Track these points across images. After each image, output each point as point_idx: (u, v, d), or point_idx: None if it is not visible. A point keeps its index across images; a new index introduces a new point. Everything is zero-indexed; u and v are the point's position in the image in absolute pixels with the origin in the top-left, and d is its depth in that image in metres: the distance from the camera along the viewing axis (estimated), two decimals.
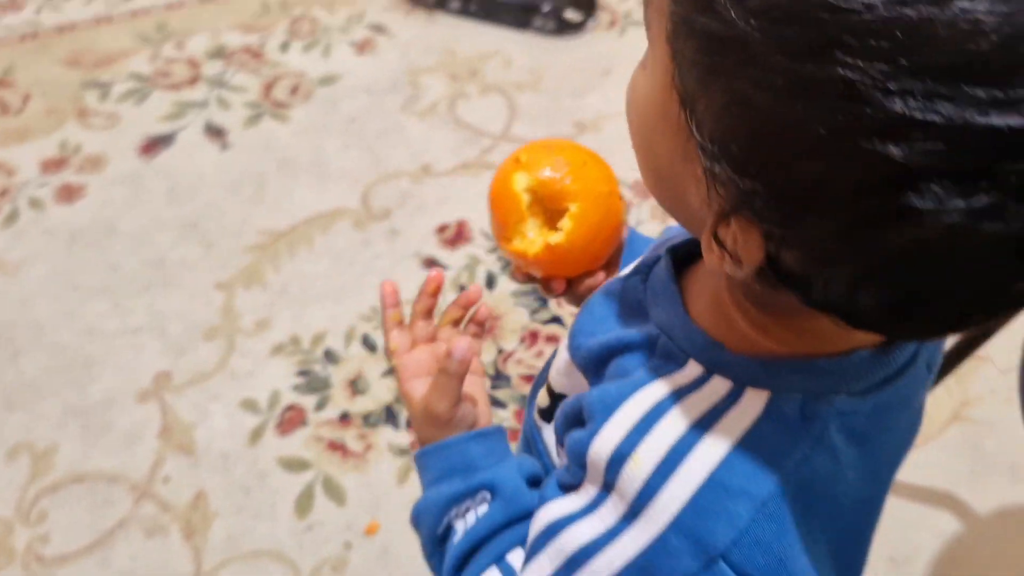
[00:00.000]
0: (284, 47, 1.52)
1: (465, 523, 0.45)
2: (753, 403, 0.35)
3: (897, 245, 0.27)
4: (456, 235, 1.30)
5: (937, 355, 0.40)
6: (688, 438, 0.35)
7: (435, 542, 0.47)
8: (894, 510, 1.10)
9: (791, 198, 0.28)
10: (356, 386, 1.15)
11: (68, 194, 1.31)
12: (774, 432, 0.34)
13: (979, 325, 0.31)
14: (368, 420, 1.12)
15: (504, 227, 0.54)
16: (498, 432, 0.49)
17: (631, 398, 0.37)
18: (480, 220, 1.31)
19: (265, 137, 1.39)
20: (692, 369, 0.37)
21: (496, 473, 0.46)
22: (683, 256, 0.41)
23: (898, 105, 0.24)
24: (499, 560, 0.44)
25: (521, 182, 0.54)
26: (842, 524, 0.37)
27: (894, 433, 0.39)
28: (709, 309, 0.38)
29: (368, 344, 1.19)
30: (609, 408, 0.37)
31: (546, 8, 1.52)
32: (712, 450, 0.34)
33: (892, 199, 0.25)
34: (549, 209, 0.53)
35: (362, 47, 1.53)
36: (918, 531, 1.09)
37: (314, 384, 1.15)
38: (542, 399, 0.49)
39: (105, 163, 1.34)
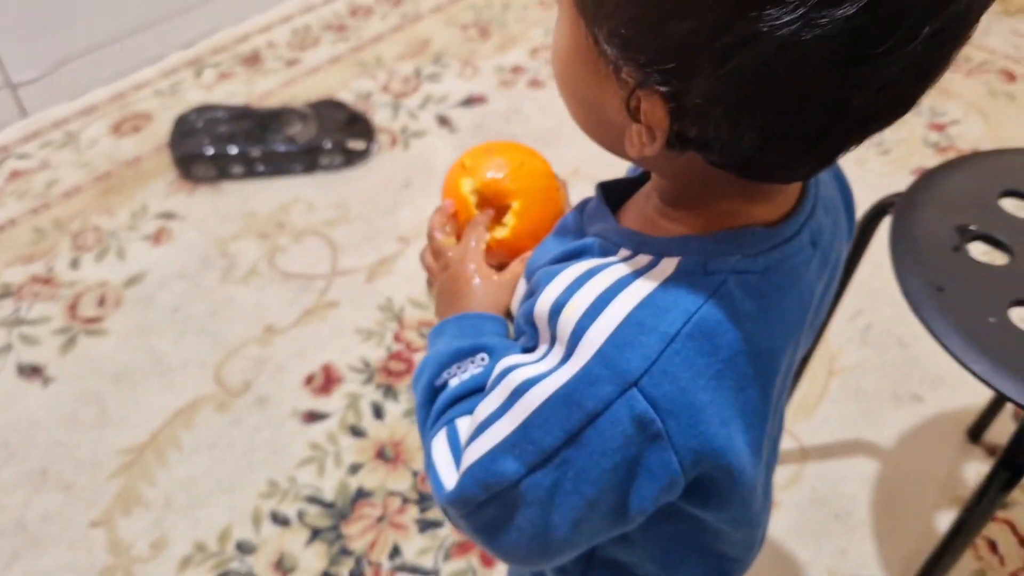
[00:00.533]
0: (74, 264, 1.44)
1: (459, 380, 0.51)
2: (667, 266, 0.42)
3: (754, 70, 0.34)
4: (325, 381, 1.27)
5: (821, 234, 0.47)
6: (613, 289, 0.42)
7: (430, 392, 0.52)
8: (820, 473, 1.17)
9: (673, 54, 0.35)
10: (283, 566, 1.07)
11: None
12: (682, 284, 0.41)
13: (840, 148, 0.38)
14: None
15: (457, 225, 0.60)
16: (506, 323, 0.56)
17: (569, 267, 0.44)
18: (345, 356, 1.29)
19: (87, 357, 1.30)
20: (622, 252, 0.44)
21: (498, 343, 0.52)
22: (614, 198, 0.50)
23: None
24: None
25: (467, 185, 0.60)
26: (745, 372, 0.43)
27: (787, 301, 0.45)
28: (635, 218, 0.47)
29: (279, 520, 1.12)
30: (552, 276, 0.44)
31: (328, 145, 1.55)
32: (631, 297, 0.41)
33: (741, 30, 0.33)
34: (496, 206, 0.59)
35: (157, 238, 1.48)
36: (847, 483, 1.16)
37: None
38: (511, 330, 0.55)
39: None
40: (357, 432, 1.20)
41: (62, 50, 1.72)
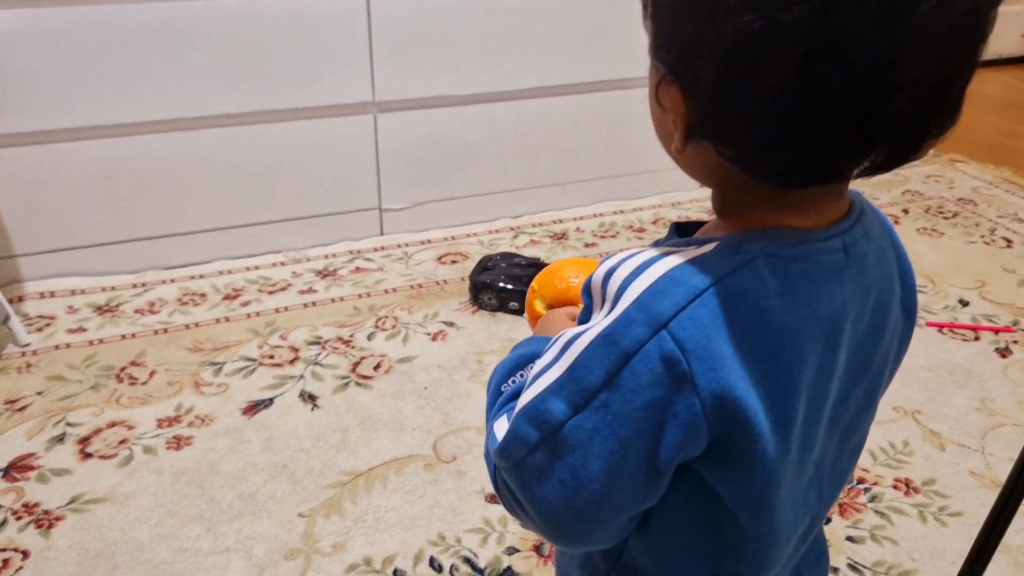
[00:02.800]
0: (371, 336, 1.80)
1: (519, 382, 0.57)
2: (706, 247, 0.48)
3: (734, 62, 0.42)
4: None
5: (857, 248, 0.51)
6: (658, 257, 0.48)
7: (495, 396, 0.58)
8: None
9: (679, 49, 0.45)
10: None
11: (177, 443, 1.50)
12: (716, 257, 0.47)
13: (837, 151, 0.44)
14: None
15: None
16: None
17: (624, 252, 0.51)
18: None
19: (351, 401, 1.61)
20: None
21: None
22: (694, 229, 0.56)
23: None
24: None
25: (539, 305, 0.72)
26: (768, 343, 0.47)
27: (814, 292, 0.48)
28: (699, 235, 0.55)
29: (434, 566, 1.28)
30: (608, 257, 0.51)
31: None
32: (671, 262, 0.47)
33: (723, 30, 0.41)
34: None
35: (435, 336, 1.80)
36: None
37: None
38: None
39: (212, 420, 1.55)
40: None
41: (425, 194, 2.21)
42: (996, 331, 1.94)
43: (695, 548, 0.55)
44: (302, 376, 1.68)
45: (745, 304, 0.46)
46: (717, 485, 0.50)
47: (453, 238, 2.21)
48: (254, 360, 1.72)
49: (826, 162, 0.46)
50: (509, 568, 1.28)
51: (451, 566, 1.28)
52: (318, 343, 1.78)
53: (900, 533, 1.37)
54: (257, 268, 2.06)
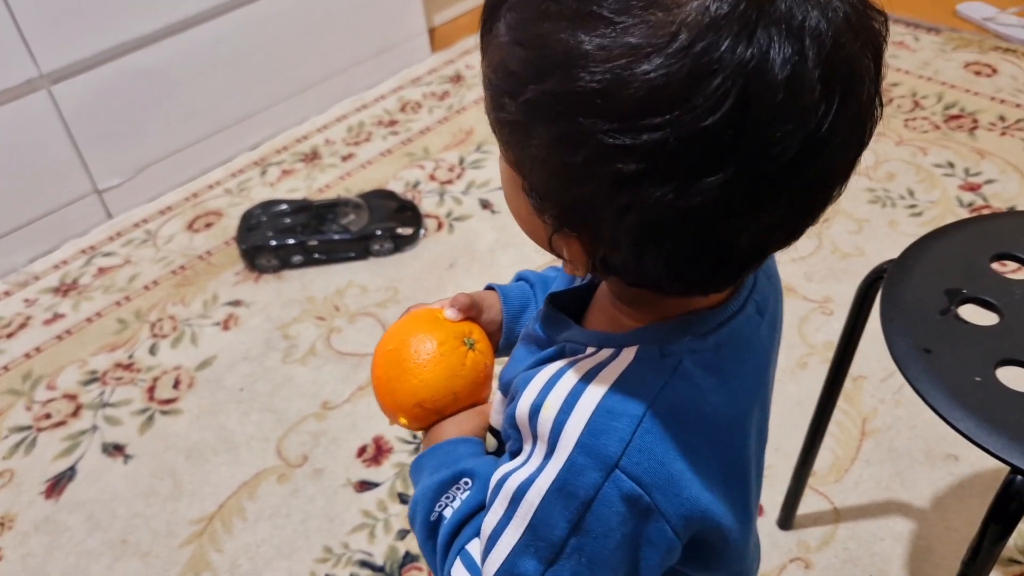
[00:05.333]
0: (153, 350, 1.57)
1: (452, 508, 0.55)
2: (627, 356, 0.46)
3: (645, 224, 0.39)
4: (376, 452, 1.35)
5: (766, 302, 0.52)
6: (580, 384, 0.46)
7: (428, 528, 0.56)
8: (853, 535, 1.20)
9: (576, 211, 0.41)
10: None
11: None
12: (642, 370, 0.46)
13: (742, 272, 0.44)
14: None
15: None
16: (480, 441, 0.60)
17: (542, 370, 0.48)
18: (394, 428, 1.38)
19: (163, 436, 1.42)
20: (588, 351, 0.49)
21: (476, 463, 0.56)
22: (573, 304, 0.55)
23: (612, 139, 0.37)
24: (479, 534, 0.52)
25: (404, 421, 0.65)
26: (716, 440, 0.47)
27: (744, 369, 0.49)
28: (597, 318, 0.53)
29: None
30: (527, 381, 0.48)
31: (379, 232, 1.68)
32: (598, 388, 0.45)
33: (627, 198, 0.38)
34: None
35: (226, 324, 1.61)
36: (880, 543, 1.18)
37: None
38: (489, 444, 0.60)
39: (13, 519, 1.32)
40: (405, 500, 1.28)
41: (141, 157, 1.90)
42: None
43: None
44: (95, 427, 1.45)
45: (687, 416, 0.45)
46: (695, 572, 0.52)
47: (195, 195, 1.95)
48: (29, 428, 1.46)
49: (746, 274, 0.46)
50: (407, 553, 1.22)
51: None
52: (96, 379, 1.53)
53: None
54: None
